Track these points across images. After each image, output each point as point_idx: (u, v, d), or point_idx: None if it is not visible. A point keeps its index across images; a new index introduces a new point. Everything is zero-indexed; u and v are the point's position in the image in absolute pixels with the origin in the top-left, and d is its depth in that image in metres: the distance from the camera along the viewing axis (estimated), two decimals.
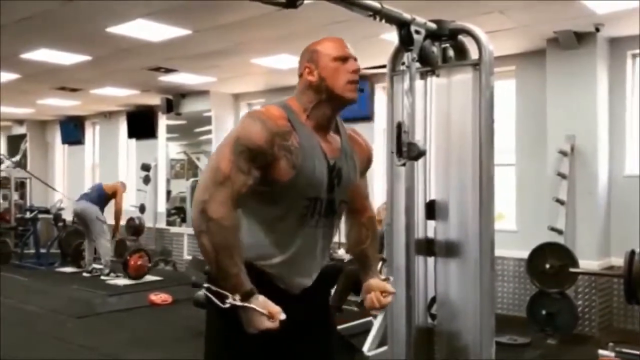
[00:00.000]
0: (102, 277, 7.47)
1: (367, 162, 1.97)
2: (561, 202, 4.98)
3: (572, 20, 4.83)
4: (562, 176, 5.04)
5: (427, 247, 2.85)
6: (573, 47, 5.10)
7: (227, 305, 1.55)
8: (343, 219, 1.99)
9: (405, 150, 2.41)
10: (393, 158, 2.47)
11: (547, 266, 4.71)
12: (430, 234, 2.86)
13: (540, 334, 4.77)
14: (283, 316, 1.56)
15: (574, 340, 4.76)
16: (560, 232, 4.92)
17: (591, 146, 5.11)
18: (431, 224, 2.87)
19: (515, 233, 5.78)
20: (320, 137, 1.76)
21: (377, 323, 4.11)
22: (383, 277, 1.99)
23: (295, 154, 1.66)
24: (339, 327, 4.26)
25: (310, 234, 1.75)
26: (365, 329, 4.29)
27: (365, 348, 3.99)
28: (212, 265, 1.58)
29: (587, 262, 4.87)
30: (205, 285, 1.61)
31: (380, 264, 2.07)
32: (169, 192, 9.13)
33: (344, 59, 1.75)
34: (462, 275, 2.84)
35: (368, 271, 1.98)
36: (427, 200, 2.87)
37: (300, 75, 1.78)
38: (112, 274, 7.51)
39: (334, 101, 1.74)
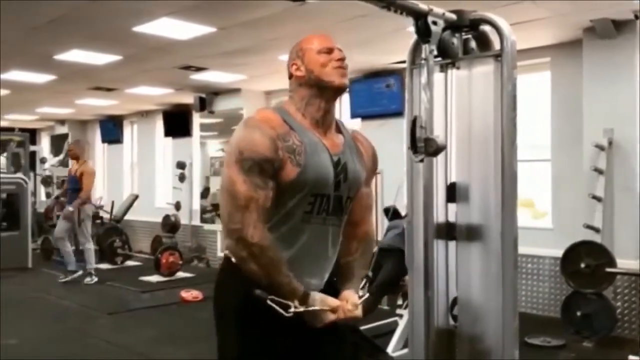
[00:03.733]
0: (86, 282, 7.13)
1: (373, 162, 1.92)
2: (598, 199, 4.77)
3: (610, 8, 4.62)
4: (599, 171, 4.83)
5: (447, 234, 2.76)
6: (611, 36, 4.88)
7: (291, 314, 1.61)
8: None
9: (422, 145, 2.33)
10: (410, 154, 2.41)
11: (583, 265, 4.52)
12: (452, 220, 2.76)
13: (576, 336, 4.59)
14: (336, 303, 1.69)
15: (612, 343, 4.57)
16: (597, 230, 4.72)
17: (630, 140, 4.88)
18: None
19: (551, 231, 5.59)
20: (319, 134, 1.74)
21: (402, 323, 4.03)
22: (361, 293, 1.82)
23: (298, 152, 1.66)
24: (363, 327, 4.20)
25: (317, 231, 1.72)
26: (391, 330, 4.21)
27: (389, 349, 3.91)
28: (265, 282, 1.63)
29: (627, 262, 4.66)
30: (269, 297, 1.62)
31: (363, 281, 1.89)
32: (206, 189, 9.21)
33: (329, 50, 1.75)
34: (485, 275, 2.74)
35: (347, 284, 1.80)
36: (447, 187, 2.79)
37: (290, 76, 1.78)
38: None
39: (326, 91, 1.73)
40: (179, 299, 6.06)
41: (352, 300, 1.74)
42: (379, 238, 5.57)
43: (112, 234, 8.66)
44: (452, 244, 2.76)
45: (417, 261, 2.79)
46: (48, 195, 11.08)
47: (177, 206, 9.15)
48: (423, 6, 2.38)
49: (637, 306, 4.82)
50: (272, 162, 1.61)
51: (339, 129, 1.83)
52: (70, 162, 7.43)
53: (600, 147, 4.87)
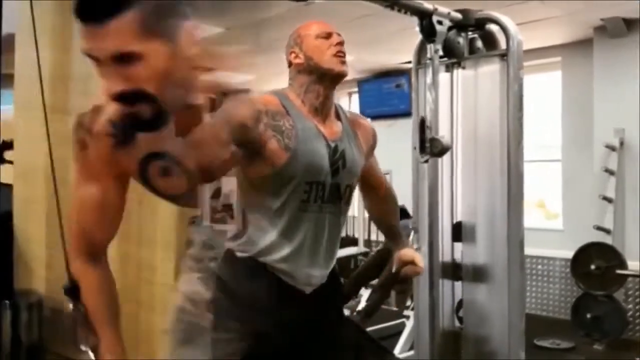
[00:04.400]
0: None
1: (372, 140, 1.93)
2: (608, 200, 4.72)
3: (621, 7, 4.56)
4: (610, 172, 4.77)
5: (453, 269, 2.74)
6: (622, 35, 4.83)
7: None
8: (361, 197, 2.06)
9: (428, 146, 2.31)
10: (416, 154, 2.39)
11: (593, 267, 4.47)
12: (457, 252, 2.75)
13: (586, 338, 4.54)
14: None
15: (622, 346, 4.50)
16: (607, 231, 4.66)
17: None
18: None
19: (561, 232, 5.53)
20: (318, 121, 1.72)
21: (409, 325, 4.00)
22: (415, 246, 2.13)
23: (288, 135, 1.63)
24: (371, 329, 4.19)
25: (315, 219, 1.69)
26: (399, 331, 4.18)
27: (396, 350, 3.89)
28: None
29: (637, 264, 4.58)
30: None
31: (412, 234, 2.23)
32: (218, 189, 9.22)
33: (327, 35, 1.74)
34: (491, 276, 2.72)
35: (398, 242, 2.04)
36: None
37: (290, 64, 1.77)
38: None
39: (325, 77, 1.72)
40: None
41: (416, 257, 1.99)
42: None
43: None
44: (458, 245, 2.74)
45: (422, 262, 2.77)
46: None
47: None
48: (428, 5, 2.35)
49: None
50: (245, 128, 1.55)
51: (339, 115, 1.81)
52: None
53: (611, 148, 4.81)
